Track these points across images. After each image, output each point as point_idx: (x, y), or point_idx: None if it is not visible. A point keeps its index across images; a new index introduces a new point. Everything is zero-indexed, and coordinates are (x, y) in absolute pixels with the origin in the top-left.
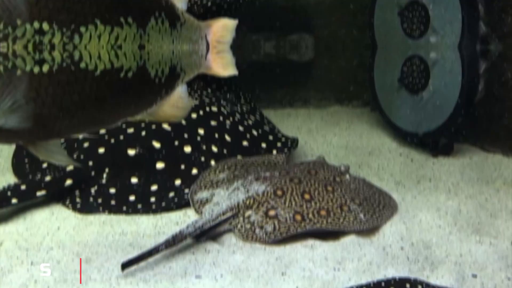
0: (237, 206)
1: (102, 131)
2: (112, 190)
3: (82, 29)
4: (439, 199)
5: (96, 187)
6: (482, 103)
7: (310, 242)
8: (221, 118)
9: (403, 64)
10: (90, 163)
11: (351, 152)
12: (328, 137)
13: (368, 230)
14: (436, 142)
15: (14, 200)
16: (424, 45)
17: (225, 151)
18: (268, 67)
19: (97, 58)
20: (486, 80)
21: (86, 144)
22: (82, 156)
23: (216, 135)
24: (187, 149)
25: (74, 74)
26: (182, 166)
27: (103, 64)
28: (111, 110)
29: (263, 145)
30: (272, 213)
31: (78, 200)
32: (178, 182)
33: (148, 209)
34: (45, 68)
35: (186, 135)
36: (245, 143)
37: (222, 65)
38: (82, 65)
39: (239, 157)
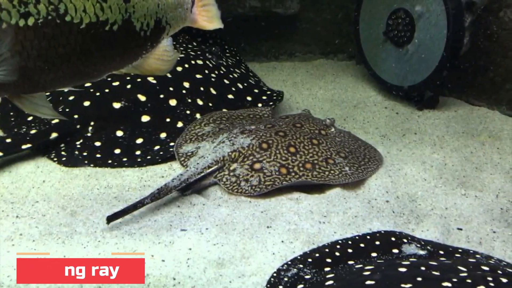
0: (223, 159)
1: (88, 84)
2: (98, 143)
3: None
4: (425, 152)
5: (81, 140)
6: (467, 56)
7: (296, 195)
8: (206, 71)
9: (388, 17)
10: (76, 116)
11: (336, 105)
12: (313, 90)
13: (354, 183)
14: (422, 95)
15: None
16: None
17: (210, 104)
18: (254, 20)
19: (82, 11)
20: (471, 33)
21: (71, 97)
22: (67, 109)
23: (202, 88)
24: (173, 102)
25: (60, 27)
26: (168, 119)
27: (88, 17)
28: (96, 63)
29: (249, 98)
30: (257, 166)
31: (63, 153)
32: (163, 135)
33: (133, 162)
34: (31, 21)
35: (171, 88)
36: (230, 96)
37: (208, 18)
38: (68, 18)
39: (224, 110)
